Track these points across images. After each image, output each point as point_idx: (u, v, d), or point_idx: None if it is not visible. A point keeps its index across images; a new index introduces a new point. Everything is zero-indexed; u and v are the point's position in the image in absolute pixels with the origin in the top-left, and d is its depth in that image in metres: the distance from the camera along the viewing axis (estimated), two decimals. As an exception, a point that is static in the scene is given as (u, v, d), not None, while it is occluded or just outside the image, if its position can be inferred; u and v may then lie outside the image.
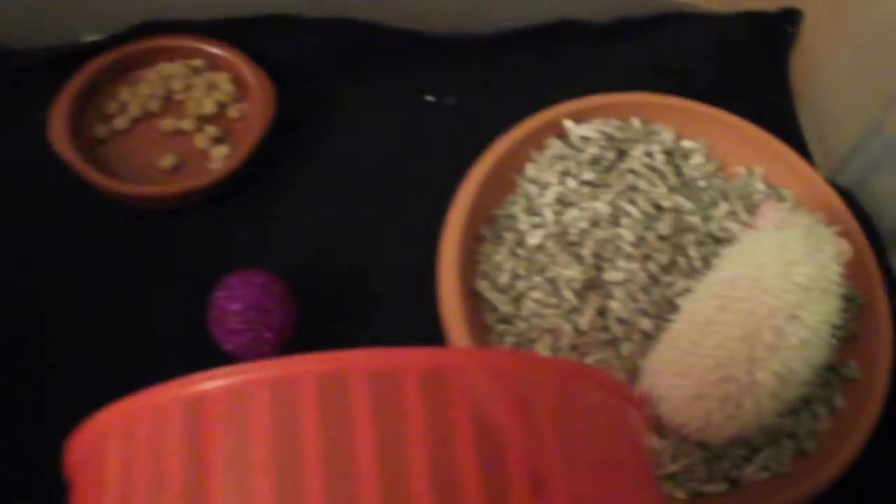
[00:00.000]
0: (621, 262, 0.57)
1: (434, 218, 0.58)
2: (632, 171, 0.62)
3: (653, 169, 0.62)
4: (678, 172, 0.63)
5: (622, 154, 0.63)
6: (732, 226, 0.61)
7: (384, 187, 0.65)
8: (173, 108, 0.67)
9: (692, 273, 0.58)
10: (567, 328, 0.55)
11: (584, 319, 0.55)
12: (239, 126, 0.66)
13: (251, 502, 0.28)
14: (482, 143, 0.61)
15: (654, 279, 0.57)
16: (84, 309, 0.58)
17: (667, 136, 0.64)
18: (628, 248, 0.58)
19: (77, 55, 0.66)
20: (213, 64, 0.69)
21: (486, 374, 0.31)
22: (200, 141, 0.64)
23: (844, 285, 0.50)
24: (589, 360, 0.54)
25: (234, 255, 0.61)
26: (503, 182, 0.61)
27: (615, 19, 0.74)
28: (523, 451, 0.30)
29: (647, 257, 0.58)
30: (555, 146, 0.62)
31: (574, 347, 0.55)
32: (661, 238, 0.59)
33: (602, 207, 0.59)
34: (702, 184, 0.63)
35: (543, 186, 0.61)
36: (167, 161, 0.63)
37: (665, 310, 0.56)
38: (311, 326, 0.57)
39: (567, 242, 0.58)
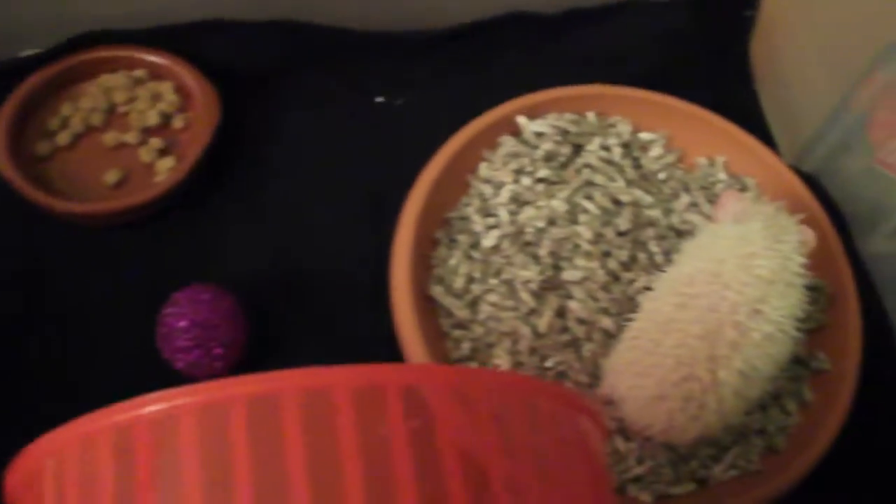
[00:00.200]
0: (580, 261, 0.56)
1: (387, 223, 0.57)
2: (588, 166, 0.60)
3: (610, 163, 0.61)
4: (637, 165, 0.62)
5: (578, 149, 0.61)
6: (694, 218, 0.59)
7: (335, 193, 0.63)
8: (117, 122, 0.65)
9: (654, 269, 0.56)
10: (525, 331, 0.53)
11: (543, 321, 0.54)
12: (184, 136, 0.64)
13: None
14: (435, 144, 0.59)
15: (614, 277, 0.56)
16: (31, 330, 0.56)
17: (624, 128, 0.62)
18: (587, 246, 0.56)
19: (15, 71, 0.64)
20: (156, 73, 0.67)
21: (417, 389, 0.31)
22: (145, 154, 0.63)
23: (809, 276, 0.48)
24: (549, 362, 0.53)
25: (183, 269, 0.59)
26: (456, 183, 0.59)
27: (566, 10, 0.72)
28: (462, 460, 0.30)
29: (606, 254, 0.56)
30: (508, 144, 0.60)
31: (533, 350, 0.53)
32: (621, 234, 0.58)
33: (558, 205, 0.57)
34: (662, 176, 0.62)
35: (498, 186, 0.59)
36: (112, 176, 0.61)
37: (626, 308, 0.54)
38: (265, 339, 0.56)
39: (523, 243, 0.57)
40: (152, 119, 0.64)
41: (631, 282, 0.56)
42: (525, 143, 0.61)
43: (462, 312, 0.54)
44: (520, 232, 0.57)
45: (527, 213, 0.57)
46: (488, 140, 0.60)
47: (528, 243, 0.57)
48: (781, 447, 0.52)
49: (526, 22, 0.72)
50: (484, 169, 0.60)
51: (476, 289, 0.55)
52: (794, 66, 0.72)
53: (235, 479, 0.28)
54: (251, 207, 0.63)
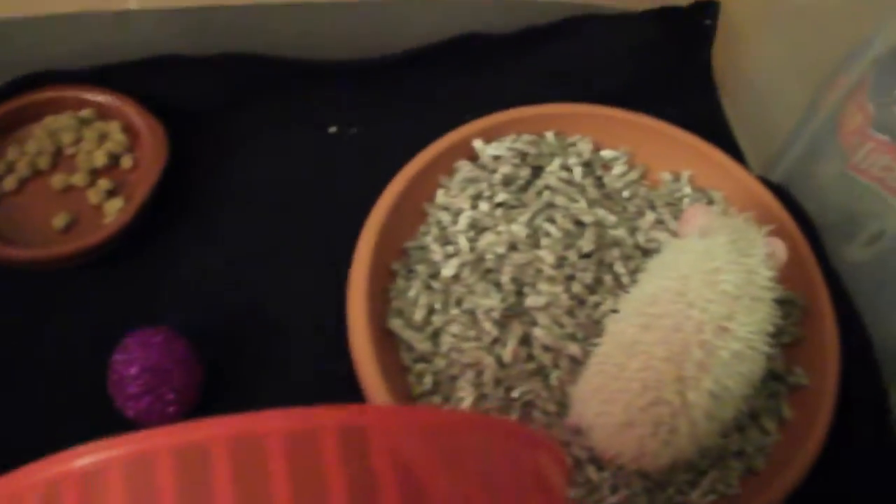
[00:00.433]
0: (543, 286, 0.54)
1: (344, 257, 0.55)
2: (549, 188, 0.59)
3: (571, 183, 0.59)
4: (599, 184, 0.60)
5: (537, 170, 0.60)
6: (661, 236, 0.58)
7: (289, 228, 0.61)
8: (64, 164, 0.63)
9: (620, 290, 0.54)
10: (489, 361, 0.51)
11: (508, 350, 0.52)
12: (132, 176, 0.62)
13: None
14: (392, 172, 0.57)
15: (579, 301, 0.54)
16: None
17: (584, 146, 0.61)
18: (549, 271, 0.54)
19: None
20: (103, 113, 0.65)
21: (356, 432, 0.29)
22: (93, 196, 0.61)
23: (779, 289, 0.46)
24: (515, 392, 0.51)
25: (135, 312, 0.57)
26: (413, 212, 0.57)
27: (520, 29, 0.71)
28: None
29: (570, 278, 0.55)
30: (465, 169, 0.59)
31: (498, 381, 0.51)
32: (585, 256, 0.56)
33: (519, 229, 0.56)
34: (625, 194, 0.60)
35: (456, 213, 0.57)
36: (60, 220, 0.59)
37: (593, 332, 0.52)
38: (220, 381, 0.54)
39: (484, 270, 0.55)
40: (100, 160, 0.62)
41: (597, 305, 0.54)
42: (482, 167, 0.59)
43: (423, 345, 0.52)
44: (480, 259, 0.55)
45: (486, 239, 0.56)
46: (444, 166, 0.59)
47: (488, 270, 0.55)
48: (761, 468, 0.50)
49: (479, 43, 0.70)
50: (441, 196, 0.58)
51: (437, 320, 0.53)
52: (757, 74, 0.71)
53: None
54: (203, 246, 0.61)
